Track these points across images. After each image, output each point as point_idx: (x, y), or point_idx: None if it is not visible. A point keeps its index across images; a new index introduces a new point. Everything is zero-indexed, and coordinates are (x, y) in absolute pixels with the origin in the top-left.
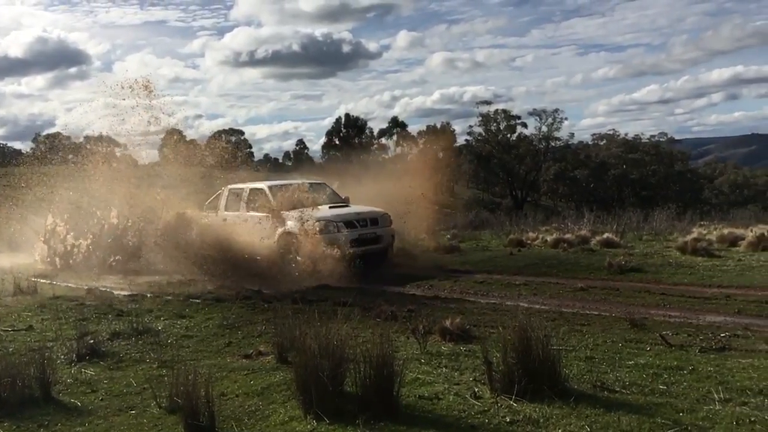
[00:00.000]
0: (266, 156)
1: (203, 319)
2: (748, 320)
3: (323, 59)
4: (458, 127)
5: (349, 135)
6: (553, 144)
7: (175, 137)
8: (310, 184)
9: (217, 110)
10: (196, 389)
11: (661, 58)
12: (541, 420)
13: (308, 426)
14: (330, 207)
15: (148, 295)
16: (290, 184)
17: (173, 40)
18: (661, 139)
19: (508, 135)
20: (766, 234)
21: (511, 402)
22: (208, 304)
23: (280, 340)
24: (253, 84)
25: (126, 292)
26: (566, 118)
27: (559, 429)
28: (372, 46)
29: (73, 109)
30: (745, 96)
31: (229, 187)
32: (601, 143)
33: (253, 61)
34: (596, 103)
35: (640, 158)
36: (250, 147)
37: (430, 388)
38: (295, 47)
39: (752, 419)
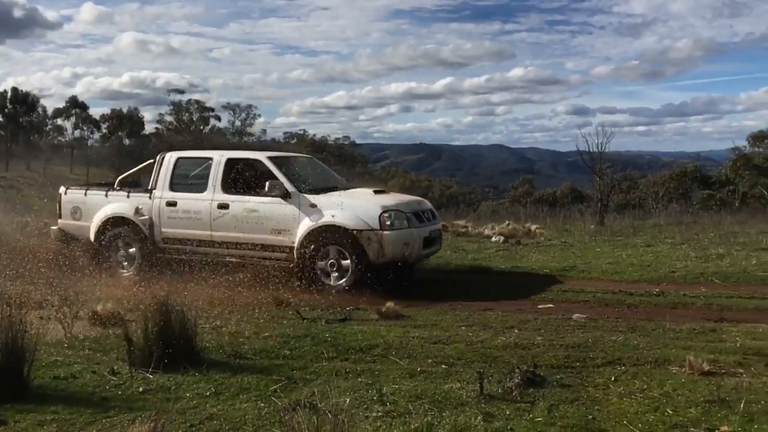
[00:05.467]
0: None
1: None
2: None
3: None
4: (148, 114)
5: (17, 112)
6: (245, 139)
7: None
8: (307, 158)
9: None
10: None
11: (349, 67)
12: (173, 387)
13: None
14: (375, 192)
15: None
16: (295, 157)
17: None
18: (345, 142)
19: (201, 127)
20: None
21: (147, 374)
22: None
23: None
24: None
25: None
26: (260, 115)
27: (188, 393)
28: (51, 14)
29: None
30: (416, 109)
31: (178, 155)
32: (292, 142)
33: None
34: (290, 103)
35: (326, 158)
36: None
37: (68, 369)
38: None
39: (347, 370)
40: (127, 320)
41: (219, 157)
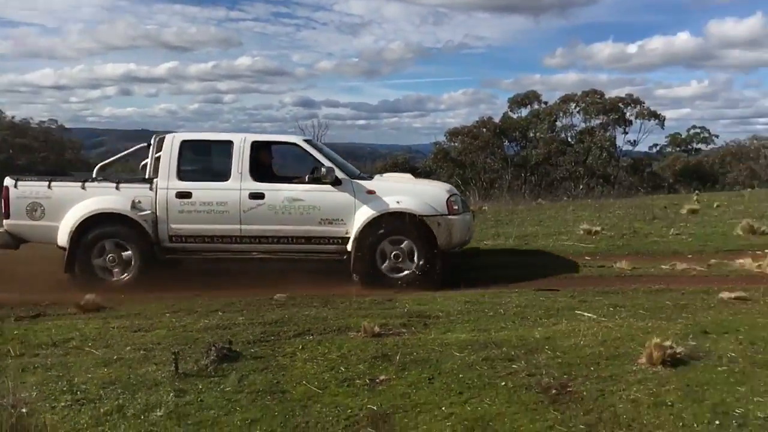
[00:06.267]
0: None
1: None
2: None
3: None
4: None
5: None
6: None
7: None
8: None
9: None
10: None
11: (56, 42)
12: None
13: None
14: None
15: None
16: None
17: None
18: (52, 126)
19: None
20: None
21: None
22: None
23: None
24: None
25: None
26: None
27: None
28: None
29: None
30: (137, 93)
31: (183, 137)
32: None
33: None
34: None
35: (29, 144)
36: None
37: None
38: None
39: (36, 366)
40: None
41: (241, 141)
